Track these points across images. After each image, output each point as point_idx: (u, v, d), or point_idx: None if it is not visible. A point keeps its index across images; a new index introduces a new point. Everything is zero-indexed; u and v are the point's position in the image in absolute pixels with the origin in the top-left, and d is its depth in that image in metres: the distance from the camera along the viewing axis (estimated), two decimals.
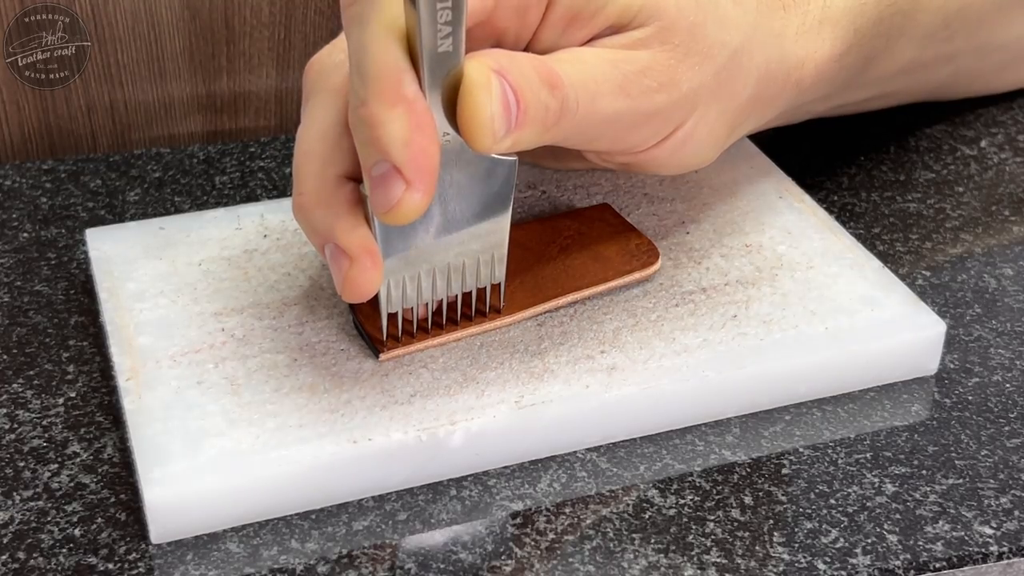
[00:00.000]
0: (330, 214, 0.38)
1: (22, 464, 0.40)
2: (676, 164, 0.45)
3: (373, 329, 0.41)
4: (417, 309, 0.41)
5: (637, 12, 0.40)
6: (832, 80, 0.49)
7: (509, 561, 0.37)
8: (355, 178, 0.39)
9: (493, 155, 0.39)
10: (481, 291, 0.42)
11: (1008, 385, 0.44)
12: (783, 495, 0.40)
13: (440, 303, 0.42)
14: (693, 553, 0.38)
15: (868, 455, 0.41)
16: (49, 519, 0.38)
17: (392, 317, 0.41)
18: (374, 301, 0.42)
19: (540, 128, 0.38)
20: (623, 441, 0.41)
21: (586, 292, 0.44)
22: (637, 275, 0.44)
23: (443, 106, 0.37)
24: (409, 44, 0.36)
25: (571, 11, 0.40)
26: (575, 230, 0.46)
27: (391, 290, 0.40)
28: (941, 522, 0.39)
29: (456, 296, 0.42)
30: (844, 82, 0.50)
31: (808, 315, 0.44)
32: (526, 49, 0.41)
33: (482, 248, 0.41)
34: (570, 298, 0.43)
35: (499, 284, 0.42)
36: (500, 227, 0.41)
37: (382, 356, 0.41)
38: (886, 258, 0.49)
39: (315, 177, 0.38)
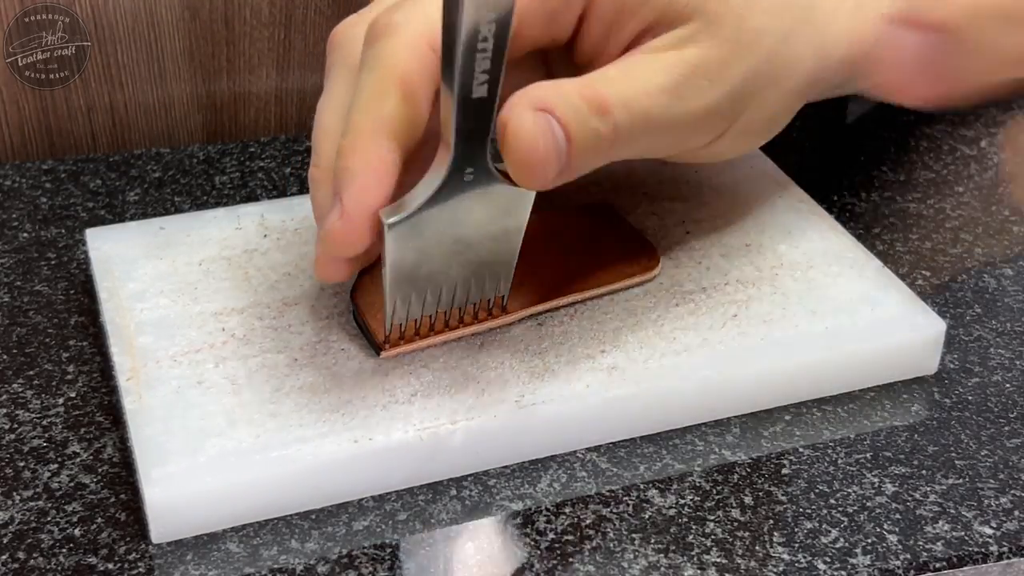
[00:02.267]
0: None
1: (22, 464, 0.40)
2: (737, 150, 0.44)
3: (376, 325, 0.41)
4: (420, 320, 0.41)
5: (683, 6, 0.39)
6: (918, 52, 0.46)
7: (509, 561, 0.37)
8: None
9: (517, 188, 0.38)
10: (484, 301, 0.42)
11: (1008, 385, 0.44)
12: (783, 495, 0.40)
13: (443, 313, 0.42)
14: (693, 553, 0.38)
15: (868, 455, 0.41)
16: (49, 519, 0.38)
17: (396, 327, 0.41)
18: (376, 297, 0.42)
19: (593, 155, 0.38)
20: (623, 441, 0.41)
21: (585, 294, 0.44)
22: (637, 279, 0.44)
23: (472, 143, 0.37)
24: (438, 80, 0.36)
25: (613, 9, 0.39)
26: (576, 230, 0.46)
27: (397, 306, 0.40)
28: (941, 522, 0.39)
29: (459, 308, 0.42)
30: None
31: (808, 315, 0.44)
32: (570, 50, 0.41)
33: (491, 269, 0.41)
34: (569, 300, 0.43)
35: (502, 296, 0.42)
36: (511, 249, 0.41)
37: (383, 353, 0.41)
38: (886, 258, 0.49)
39: (330, 153, 0.39)
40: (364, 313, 0.42)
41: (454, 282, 0.41)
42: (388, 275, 0.39)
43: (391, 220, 0.37)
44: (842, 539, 0.38)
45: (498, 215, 0.39)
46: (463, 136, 0.36)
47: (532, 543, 0.38)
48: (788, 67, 0.42)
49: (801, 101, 0.44)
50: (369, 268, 0.44)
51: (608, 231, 0.46)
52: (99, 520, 0.38)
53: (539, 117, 0.36)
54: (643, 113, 0.38)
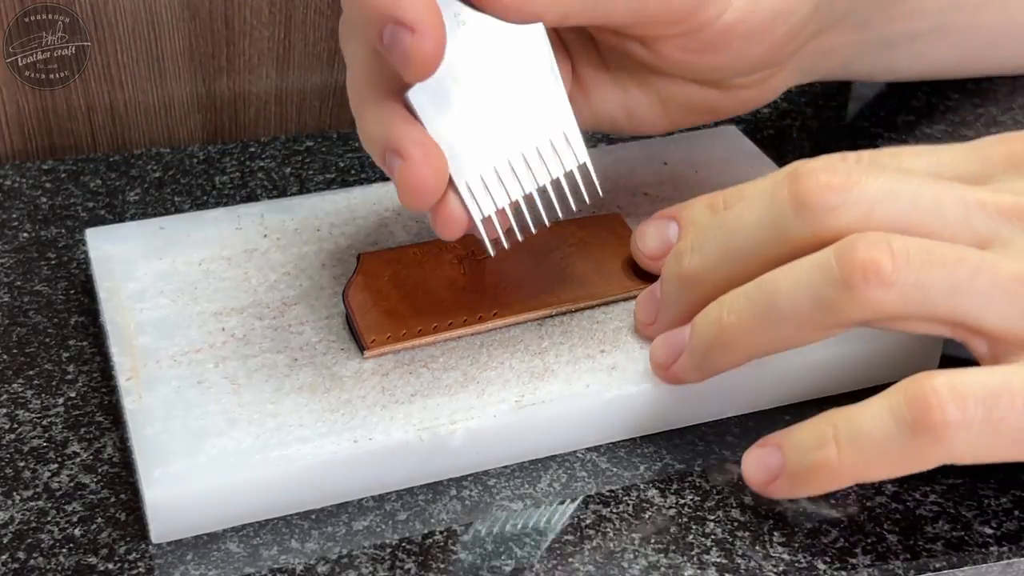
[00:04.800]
0: (383, 122, 0.38)
1: (22, 464, 0.40)
2: (757, 33, 0.43)
3: (363, 324, 0.41)
4: (508, 208, 0.40)
5: None
6: None
7: (509, 561, 0.37)
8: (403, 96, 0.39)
9: (515, 24, 0.38)
10: (570, 178, 0.40)
11: None
12: None
13: (532, 200, 0.40)
14: (693, 553, 0.38)
15: None
16: (49, 519, 0.38)
17: (487, 222, 0.39)
18: (368, 295, 0.42)
19: None
20: (623, 441, 0.41)
21: (582, 304, 0.43)
22: (636, 292, 0.44)
23: None
24: None
25: None
26: (580, 238, 0.46)
27: (472, 191, 0.39)
28: (941, 522, 0.39)
29: (544, 188, 0.40)
30: None
31: None
32: None
33: (549, 129, 0.40)
34: (566, 308, 0.43)
35: (585, 165, 0.40)
36: (557, 101, 0.40)
37: (367, 353, 0.41)
38: None
39: (367, 101, 0.39)
40: (355, 312, 0.42)
41: (517, 151, 0.39)
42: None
43: (409, 92, 0.38)
44: (842, 539, 0.38)
45: (516, 63, 0.39)
46: None
47: (532, 543, 0.38)
48: None
49: None
50: (367, 266, 0.44)
51: (613, 242, 0.46)
52: (99, 520, 0.38)
53: None
54: None
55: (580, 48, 0.46)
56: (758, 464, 0.38)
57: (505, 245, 0.40)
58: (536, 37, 0.39)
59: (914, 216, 0.37)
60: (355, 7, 0.38)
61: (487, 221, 0.39)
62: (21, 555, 0.37)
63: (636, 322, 0.43)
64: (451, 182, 0.38)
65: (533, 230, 0.41)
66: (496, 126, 0.39)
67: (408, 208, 0.38)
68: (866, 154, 0.40)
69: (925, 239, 0.36)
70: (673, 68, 0.44)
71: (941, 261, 0.36)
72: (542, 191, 0.40)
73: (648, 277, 0.44)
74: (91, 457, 0.40)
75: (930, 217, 0.37)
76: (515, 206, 0.40)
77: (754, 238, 0.39)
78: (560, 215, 0.41)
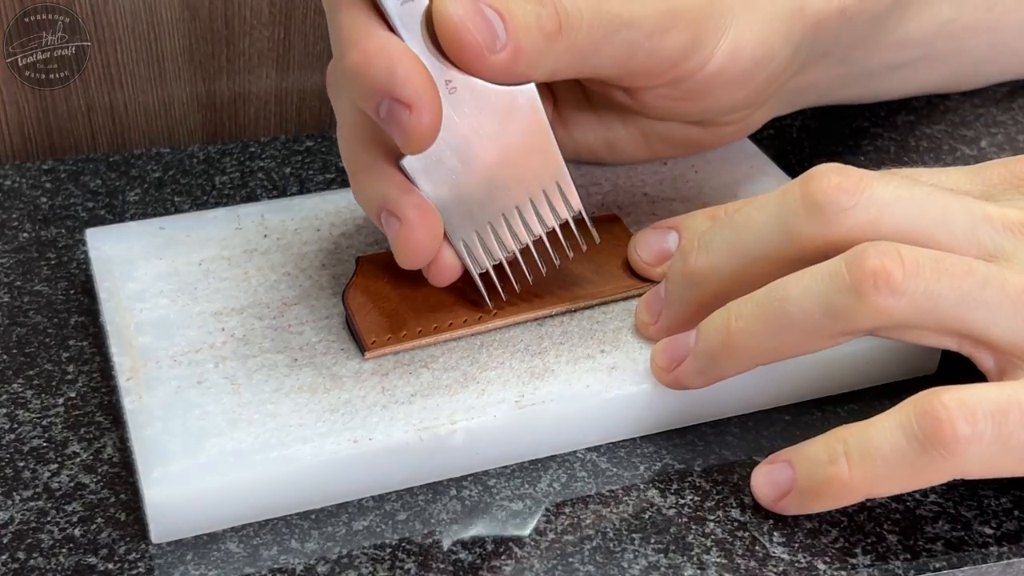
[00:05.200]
0: (380, 184, 0.39)
1: (22, 464, 0.40)
2: (741, 81, 0.43)
3: (364, 325, 0.41)
4: (507, 266, 0.41)
5: None
6: (874, 18, 0.47)
7: (509, 561, 0.37)
8: (398, 156, 0.39)
9: (506, 87, 0.39)
10: (566, 228, 0.42)
11: None
12: None
13: (527, 249, 0.41)
14: (693, 553, 0.38)
15: None
16: (49, 519, 0.38)
17: (485, 278, 0.41)
18: (368, 296, 0.42)
19: (540, 38, 0.38)
20: (623, 441, 0.41)
21: (581, 304, 0.43)
22: (635, 292, 0.44)
23: (436, 56, 0.38)
24: (375, 5, 0.37)
25: None
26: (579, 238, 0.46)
27: (470, 250, 0.40)
28: (941, 522, 0.39)
29: (541, 239, 0.41)
30: (886, 25, 0.49)
31: None
32: None
33: (542, 181, 0.41)
34: (565, 308, 0.43)
35: (580, 214, 0.41)
36: (550, 154, 0.40)
37: (367, 354, 0.41)
38: None
39: (361, 161, 0.40)
40: (355, 314, 0.42)
41: (512, 205, 0.40)
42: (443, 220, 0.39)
43: (404, 160, 0.39)
44: (842, 539, 0.38)
45: (508, 123, 0.39)
46: (421, 46, 0.37)
47: (532, 543, 0.38)
48: None
49: (789, 35, 0.44)
50: (366, 268, 0.44)
51: (612, 243, 0.46)
52: (99, 520, 0.38)
53: None
54: (595, 1, 0.39)
55: (564, 88, 0.47)
56: (767, 480, 0.38)
57: (503, 298, 0.42)
58: (525, 92, 0.39)
59: (922, 224, 0.37)
60: (349, 78, 0.38)
61: (485, 276, 0.41)
62: (21, 555, 0.37)
63: (638, 322, 0.43)
64: (445, 236, 0.40)
65: (530, 281, 0.42)
66: (490, 182, 0.40)
67: (402, 266, 0.39)
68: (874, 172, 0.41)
69: (934, 250, 0.37)
70: (656, 113, 0.45)
71: (951, 272, 0.36)
72: (538, 242, 0.41)
73: (643, 278, 0.44)
74: (91, 457, 0.40)
75: (938, 226, 0.38)
76: (512, 259, 0.41)
77: (763, 238, 0.39)
78: (557, 264, 0.42)
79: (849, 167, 0.38)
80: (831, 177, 0.38)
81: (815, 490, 0.37)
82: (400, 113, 0.36)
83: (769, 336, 0.38)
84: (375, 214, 0.40)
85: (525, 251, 0.41)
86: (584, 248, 0.42)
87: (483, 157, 0.40)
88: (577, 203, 0.41)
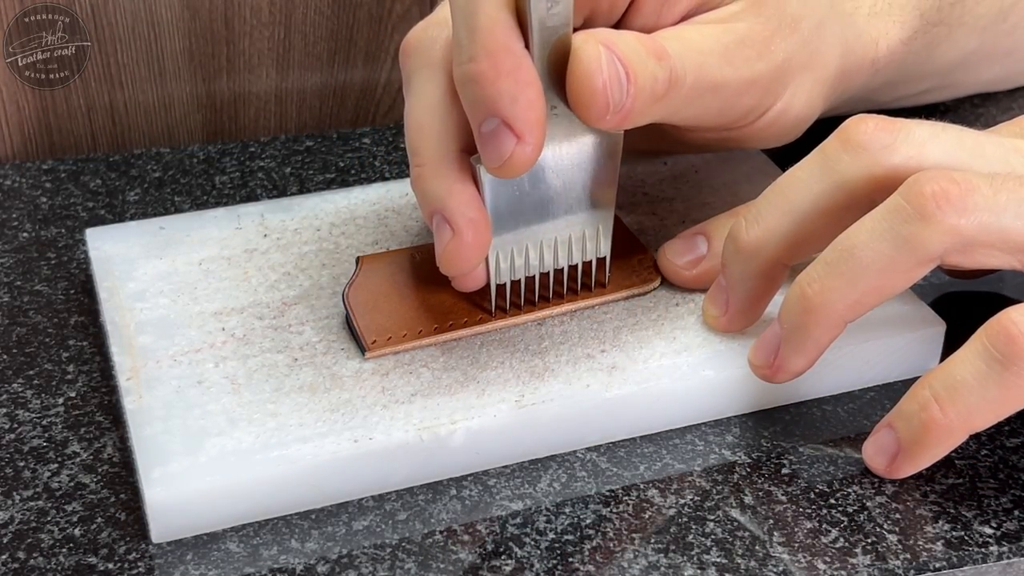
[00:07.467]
0: (443, 185, 0.39)
1: (22, 464, 0.40)
2: (776, 136, 0.46)
3: (364, 325, 0.41)
4: (524, 282, 0.42)
5: None
6: (901, 64, 0.50)
7: (509, 561, 0.37)
8: (467, 149, 0.39)
9: (600, 129, 0.39)
10: (587, 264, 0.43)
11: None
12: (783, 495, 0.40)
13: (546, 276, 0.43)
14: (693, 553, 0.38)
15: None
16: (49, 519, 0.38)
17: (500, 289, 0.42)
18: (368, 296, 0.42)
19: (650, 98, 0.39)
20: (623, 441, 0.41)
21: (580, 304, 0.43)
22: (635, 290, 0.44)
23: (551, 80, 0.38)
24: (518, 14, 0.37)
25: None
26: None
27: (499, 262, 0.41)
28: (941, 522, 0.39)
29: (562, 269, 0.43)
30: (911, 68, 0.51)
31: None
32: (621, 25, 0.42)
33: (588, 222, 0.42)
34: (564, 308, 0.43)
35: (604, 258, 0.43)
36: (606, 201, 0.42)
37: (368, 354, 0.41)
38: None
39: (430, 149, 0.39)
40: (355, 314, 0.42)
41: (552, 235, 0.41)
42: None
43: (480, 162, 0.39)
44: (842, 539, 0.38)
45: (586, 160, 0.40)
46: (542, 67, 0.37)
47: (532, 543, 0.38)
48: (821, 54, 0.45)
49: (828, 96, 0.47)
50: (366, 268, 0.44)
51: (612, 242, 0.46)
52: (99, 520, 0.38)
53: (603, 48, 0.37)
54: (696, 67, 0.40)
55: None
56: (876, 450, 0.40)
57: (507, 310, 0.42)
58: (613, 137, 0.40)
59: (961, 156, 0.39)
60: (468, 82, 0.37)
61: (500, 288, 0.42)
62: (21, 555, 0.37)
63: (708, 319, 0.43)
64: None
65: (536, 303, 0.43)
66: (546, 208, 0.41)
67: (442, 271, 0.40)
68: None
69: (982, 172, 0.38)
70: (688, 142, 0.47)
71: (1005, 185, 0.37)
72: (558, 271, 0.43)
73: (647, 277, 0.44)
74: (91, 457, 0.40)
75: (975, 157, 0.39)
76: (530, 280, 0.42)
77: (812, 191, 0.39)
78: (564, 295, 0.43)
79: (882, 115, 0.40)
80: (868, 122, 0.39)
81: (918, 441, 0.38)
82: (506, 138, 0.37)
83: (848, 288, 0.38)
84: (428, 212, 0.40)
85: (543, 278, 0.43)
86: (592, 289, 0.43)
87: (551, 183, 0.40)
88: (607, 249, 0.43)
